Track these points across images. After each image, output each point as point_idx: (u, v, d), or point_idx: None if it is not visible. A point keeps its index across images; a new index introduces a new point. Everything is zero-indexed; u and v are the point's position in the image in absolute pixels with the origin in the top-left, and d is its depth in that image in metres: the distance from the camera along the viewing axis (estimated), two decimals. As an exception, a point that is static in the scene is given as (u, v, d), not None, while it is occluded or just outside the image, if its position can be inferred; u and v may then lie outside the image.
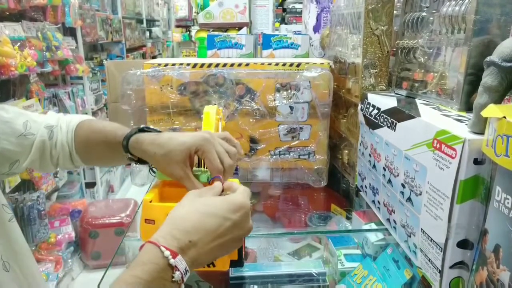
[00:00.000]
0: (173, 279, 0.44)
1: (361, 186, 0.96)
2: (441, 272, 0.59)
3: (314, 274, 0.90)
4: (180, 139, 0.62)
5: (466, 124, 0.58)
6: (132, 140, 0.66)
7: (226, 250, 0.52)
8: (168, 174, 0.64)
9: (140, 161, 0.68)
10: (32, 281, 0.68)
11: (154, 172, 0.68)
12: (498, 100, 0.56)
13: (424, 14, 0.77)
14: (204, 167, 0.67)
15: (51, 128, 0.74)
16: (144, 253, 0.45)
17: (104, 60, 3.92)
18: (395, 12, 0.88)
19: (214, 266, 0.60)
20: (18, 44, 2.09)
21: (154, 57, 6.04)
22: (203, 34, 1.64)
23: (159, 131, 0.68)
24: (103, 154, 0.74)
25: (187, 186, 0.61)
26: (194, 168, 0.65)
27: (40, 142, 0.72)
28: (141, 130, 0.68)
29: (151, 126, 0.70)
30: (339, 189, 1.16)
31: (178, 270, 0.44)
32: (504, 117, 0.45)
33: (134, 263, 0.44)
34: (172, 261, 0.44)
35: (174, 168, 0.61)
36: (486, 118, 0.50)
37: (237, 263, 0.62)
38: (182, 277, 0.44)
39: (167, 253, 0.44)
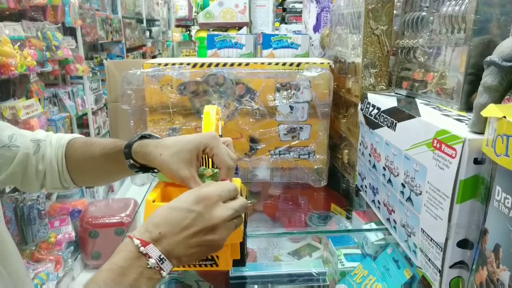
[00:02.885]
0: (148, 266, 0.48)
1: (361, 185, 0.96)
2: (441, 272, 0.59)
3: (314, 274, 0.90)
4: (187, 139, 0.63)
5: (466, 124, 0.58)
6: (135, 145, 0.65)
7: (203, 244, 0.52)
8: (172, 176, 0.62)
9: (142, 168, 0.67)
10: (17, 280, 0.68)
11: (155, 172, 0.68)
12: (498, 100, 0.56)
13: (424, 14, 0.77)
14: (209, 166, 0.67)
15: (38, 142, 0.72)
16: (121, 245, 0.50)
17: (104, 60, 3.92)
18: (395, 12, 0.88)
19: (217, 266, 0.60)
20: (18, 43, 2.09)
21: (154, 57, 6.04)
22: (203, 34, 1.64)
23: (160, 138, 0.68)
24: (100, 167, 0.73)
25: (191, 187, 0.60)
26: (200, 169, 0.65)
27: (23, 154, 0.70)
28: (143, 137, 0.67)
29: (152, 133, 0.69)
30: (339, 189, 1.16)
31: (151, 257, 0.48)
32: (504, 117, 0.45)
33: (113, 254, 0.49)
34: (142, 248, 0.48)
35: (181, 169, 0.60)
36: (486, 118, 0.50)
37: (240, 262, 0.62)
38: (159, 265, 0.48)
39: (137, 241, 0.49)
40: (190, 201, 0.53)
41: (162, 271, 0.49)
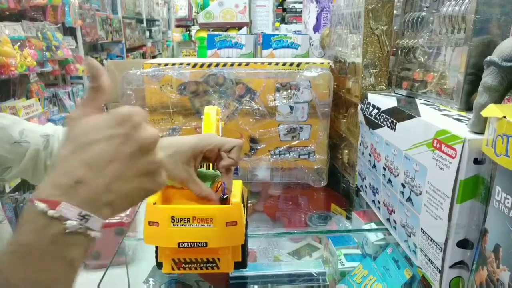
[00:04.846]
0: (67, 231, 0.35)
1: (361, 186, 0.96)
2: (441, 272, 0.59)
3: (314, 274, 0.90)
4: (184, 140, 0.62)
5: (466, 124, 0.58)
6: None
7: (142, 171, 0.40)
8: (170, 178, 0.62)
9: None
10: None
11: None
12: (498, 100, 0.56)
13: (424, 14, 0.77)
14: (209, 168, 0.67)
15: (47, 137, 0.72)
16: (24, 213, 0.37)
17: (104, 60, 3.93)
18: (395, 12, 0.88)
19: (218, 268, 0.60)
20: (18, 44, 2.09)
21: (154, 57, 6.04)
22: (203, 34, 1.65)
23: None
24: None
25: (191, 188, 0.60)
26: (198, 170, 0.65)
27: (34, 150, 0.70)
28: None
29: None
30: (339, 189, 1.16)
31: (69, 219, 0.36)
32: (504, 117, 0.45)
33: (17, 227, 0.37)
34: (50, 212, 0.35)
35: (178, 170, 0.60)
36: (486, 118, 0.50)
37: (241, 265, 0.62)
38: (83, 225, 0.36)
39: (41, 206, 0.35)
40: (108, 126, 0.39)
41: (90, 231, 0.37)
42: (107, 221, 0.39)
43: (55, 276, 0.36)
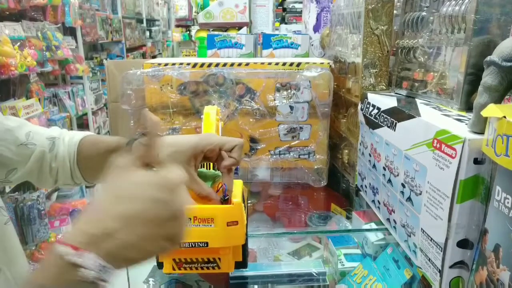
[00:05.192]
0: (84, 279, 0.36)
1: (361, 185, 0.96)
2: (441, 272, 0.59)
3: (314, 274, 0.90)
4: (184, 139, 0.62)
5: (466, 124, 0.58)
6: (135, 144, 0.65)
7: (161, 237, 0.41)
8: None
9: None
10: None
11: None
12: (498, 100, 0.56)
13: (424, 14, 0.77)
14: (209, 168, 0.67)
15: (53, 139, 0.73)
16: (49, 253, 0.38)
17: (104, 60, 3.93)
18: (395, 12, 0.88)
19: (219, 268, 0.60)
20: (18, 43, 2.10)
21: (154, 57, 6.04)
22: (203, 34, 1.65)
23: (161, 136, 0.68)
24: (106, 165, 0.73)
25: (192, 188, 0.60)
26: (199, 170, 0.65)
27: (39, 152, 0.71)
28: (144, 135, 0.67)
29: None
30: (339, 189, 1.16)
31: (89, 269, 0.36)
32: (504, 116, 0.45)
33: (38, 266, 0.38)
34: (74, 259, 0.36)
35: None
36: (486, 118, 0.50)
37: (242, 265, 0.62)
38: (98, 276, 0.37)
39: (65, 250, 0.37)
40: (152, 188, 0.41)
41: (103, 282, 0.37)
42: None
43: None
